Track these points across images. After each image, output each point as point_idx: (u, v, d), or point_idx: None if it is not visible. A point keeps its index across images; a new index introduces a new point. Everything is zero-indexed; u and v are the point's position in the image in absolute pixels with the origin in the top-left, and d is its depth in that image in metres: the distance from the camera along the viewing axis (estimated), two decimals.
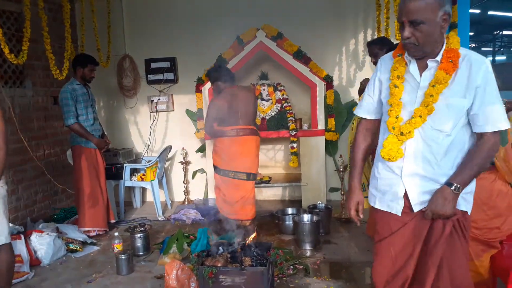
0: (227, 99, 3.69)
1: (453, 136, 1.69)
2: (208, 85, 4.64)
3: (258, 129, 4.82)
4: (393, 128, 1.75)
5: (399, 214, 1.79)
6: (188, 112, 5.28)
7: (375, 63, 3.67)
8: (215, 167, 3.82)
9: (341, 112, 4.86)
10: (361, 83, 4.01)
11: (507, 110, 7.06)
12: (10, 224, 3.61)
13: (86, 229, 4.04)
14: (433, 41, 1.65)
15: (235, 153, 3.68)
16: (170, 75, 5.35)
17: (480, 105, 1.63)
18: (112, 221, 4.35)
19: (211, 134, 3.79)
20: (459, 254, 1.72)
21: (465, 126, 1.70)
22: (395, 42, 3.65)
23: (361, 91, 3.95)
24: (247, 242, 2.90)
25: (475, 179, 1.73)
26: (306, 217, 3.85)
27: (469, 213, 1.77)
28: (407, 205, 1.76)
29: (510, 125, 2.33)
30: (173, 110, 5.49)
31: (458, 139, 1.70)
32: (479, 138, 1.68)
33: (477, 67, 1.63)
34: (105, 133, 4.49)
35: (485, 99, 1.63)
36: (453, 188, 1.65)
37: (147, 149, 5.54)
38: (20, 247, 3.35)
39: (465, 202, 1.75)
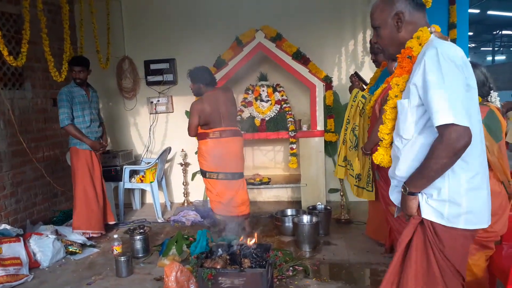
0: (209, 102, 3.76)
1: (413, 140, 1.59)
2: None
3: (257, 131, 4.86)
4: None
5: (395, 215, 1.85)
6: (187, 113, 5.27)
7: (374, 61, 3.69)
8: (201, 170, 3.88)
9: (340, 112, 4.85)
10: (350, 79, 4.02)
11: (507, 110, 7.01)
12: (9, 226, 3.63)
13: (79, 231, 4.02)
14: (392, 43, 1.70)
15: (219, 154, 3.75)
16: (170, 77, 5.36)
17: (424, 100, 1.52)
18: (111, 222, 4.34)
19: (194, 135, 3.88)
20: (423, 258, 1.61)
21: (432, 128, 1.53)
22: None
23: (351, 88, 3.94)
24: (248, 239, 2.90)
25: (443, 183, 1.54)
26: (306, 218, 3.85)
27: (438, 222, 1.56)
28: None
29: (507, 125, 2.34)
30: (172, 112, 5.49)
31: (426, 142, 1.56)
32: None
33: (419, 61, 1.54)
34: (106, 135, 4.48)
35: (426, 93, 1.50)
36: (402, 189, 1.63)
37: (147, 150, 5.54)
38: (19, 249, 3.34)
39: (428, 208, 1.58)
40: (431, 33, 1.61)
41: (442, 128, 1.45)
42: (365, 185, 3.46)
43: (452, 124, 1.43)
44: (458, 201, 1.55)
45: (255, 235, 2.95)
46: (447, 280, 1.60)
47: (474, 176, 1.55)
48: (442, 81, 1.46)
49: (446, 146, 1.45)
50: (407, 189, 1.59)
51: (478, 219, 1.58)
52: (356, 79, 3.90)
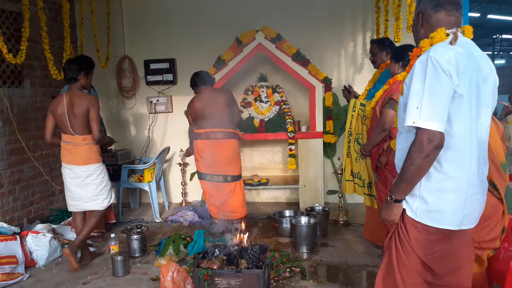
0: (199, 100, 3.78)
1: (402, 131, 1.70)
2: None
3: (256, 131, 4.85)
4: None
5: None
6: (186, 113, 5.27)
7: (372, 62, 3.69)
8: (197, 171, 3.90)
9: (339, 114, 4.86)
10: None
11: (506, 114, 6.95)
12: (6, 225, 3.61)
13: None
14: (417, 39, 1.76)
15: (208, 155, 3.76)
16: (169, 76, 5.35)
17: (405, 99, 1.61)
18: (112, 221, 4.33)
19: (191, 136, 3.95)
20: (392, 256, 1.73)
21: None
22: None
23: (347, 99, 3.92)
24: (237, 239, 2.89)
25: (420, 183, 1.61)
26: (304, 220, 3.84)
27: (408, 214, 1.66)
28: None
29: (505, 128, 2.30)
30: (171, 112, 5.48)
31: (407, 136, 1.65)
32: None
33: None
34: (107, 134, 4.48)
35: (408, 94, 1.58)
36: (388, 198, 1.70)
37: (145, 150, 5.53)
38: (15, 248, 3.33)
39: (406, 203, 1.68)
40: (447, 35, 1.61)
41: (417, 131, 1.53)
42: (374, 193, 3.43)
43: (424, 128, 1.50)
44: (425, 198, 1.62)
45: (246, 233, 2.94)
46: (404, 273, 1.69)
47: (446, 179, 1.59)
48: (423, 86, 1.51)
49: (417, 148, 1.52)
50: (393, 196, 1.66)
51: (444, 219, 1.62)
52: (346, 92, 3.92)
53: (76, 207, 3.46)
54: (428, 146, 1.50)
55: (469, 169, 1.61)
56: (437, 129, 1.50)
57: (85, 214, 3.54)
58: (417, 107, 1.51)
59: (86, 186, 3.37)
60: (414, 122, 1.52)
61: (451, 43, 1.56)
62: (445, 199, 1.61)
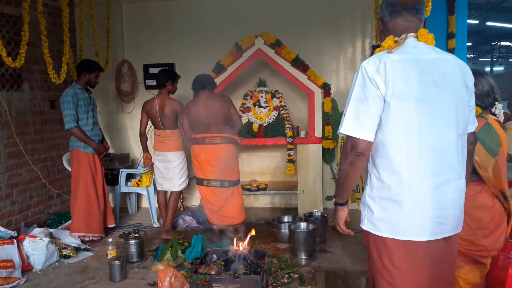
0: (195, 105, 3.79)
1: None
2: None
3: (255, 136, 4.85)
4: None
5: None
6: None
7: None
8: (195, 176, 3.90)
9: (338, 120, 4.85)
10: None
11: (506, 120, 6.94)
12: (3, 229, 3.60)
13: (79, 234, 4.00)
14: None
15: (205, 161, 3.76)
16: None
17: None
18: (111, 225, 4.31)
19: (189, 137, 4.01)
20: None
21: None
22: None
23: None
24: (237, 245, 2.88)
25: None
26: (302, 226, 3.83)
27: (366, 229, 1.68)
28: None
29: (506, 136, 2.30)
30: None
31: None
32: None
33: None
34: (105, 138, 4.49)
35: None
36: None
37: None
38: (12, 252, 3.31)
39: (361, 213, 1.72)
40: (396, 42, 1.60)
41: (347, 138, 1.60)
42: None
43: (349, 135, 1.56)
44: (370, 206, 1.64)
45: (248, 238, 2.93)
46: (376, 282, 1.70)
47: (384, 187, 1.59)
48: (351, 95, 1.59)
49: (344, 154, 1.62)
50: (334, 199, 1.70)
51: (389, 229, 1.60)
52: None
53: (162, 186, 4.31)
54: (351, 153, 1.57)
55: (407, 180, 1.53)
56: (360, 137, 1.54)
57: (165, 194, 4.37)
58: (347, 116, 1.58)
59: (173, 169, 4.22)
60: (342, 130, 1.59)
61: (388, 51, 1.57)
62: (385, 208, 1.59)
